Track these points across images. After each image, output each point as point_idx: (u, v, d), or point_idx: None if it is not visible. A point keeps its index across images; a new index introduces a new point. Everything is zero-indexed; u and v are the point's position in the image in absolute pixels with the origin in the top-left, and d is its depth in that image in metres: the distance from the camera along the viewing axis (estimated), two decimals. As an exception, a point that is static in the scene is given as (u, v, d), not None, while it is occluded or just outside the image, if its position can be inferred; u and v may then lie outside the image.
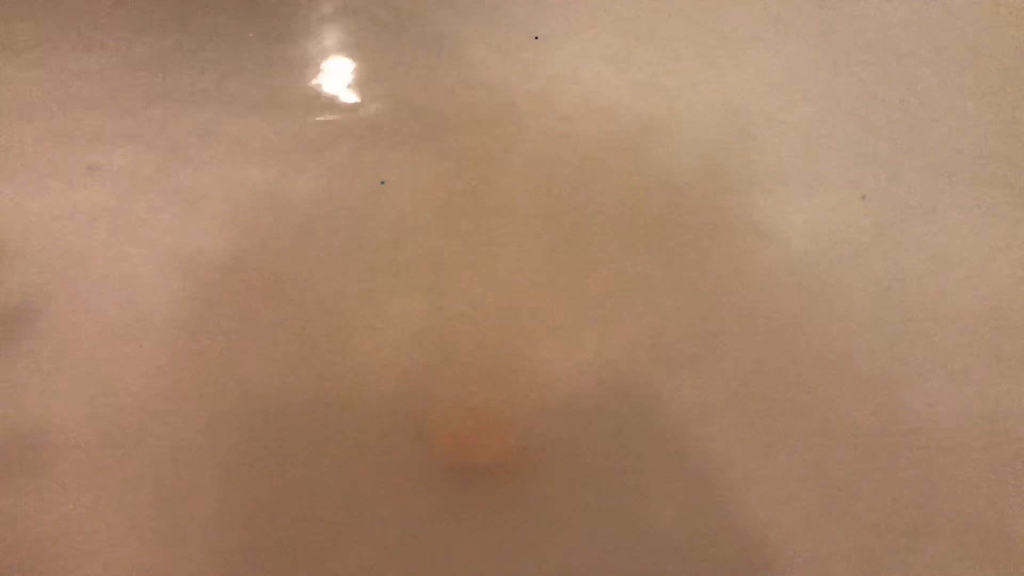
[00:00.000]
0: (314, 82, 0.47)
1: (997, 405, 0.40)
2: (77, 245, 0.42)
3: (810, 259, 0.43)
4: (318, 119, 0.46)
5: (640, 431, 0.40)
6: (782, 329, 0.41)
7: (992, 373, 0.40)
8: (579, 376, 0.41)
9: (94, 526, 0.37)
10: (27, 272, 0.42)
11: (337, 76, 0.47)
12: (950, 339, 0.41)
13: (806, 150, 0.45)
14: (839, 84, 0.47)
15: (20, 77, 0.46)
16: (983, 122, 0.45)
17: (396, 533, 0.38)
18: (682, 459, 0.39)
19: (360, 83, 0.47)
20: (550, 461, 0.39)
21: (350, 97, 0.47)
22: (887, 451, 0.39)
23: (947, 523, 0.38)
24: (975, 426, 0.39)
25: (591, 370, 0.41)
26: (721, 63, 0.47)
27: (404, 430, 0.40)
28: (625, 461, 0.39)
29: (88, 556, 0.36)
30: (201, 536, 0.37)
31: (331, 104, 0.47)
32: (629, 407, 0.40)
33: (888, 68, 0.47)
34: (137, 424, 0.39)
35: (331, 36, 0.48)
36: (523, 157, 0.46)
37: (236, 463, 0.39)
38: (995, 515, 0.38)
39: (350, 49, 0.48)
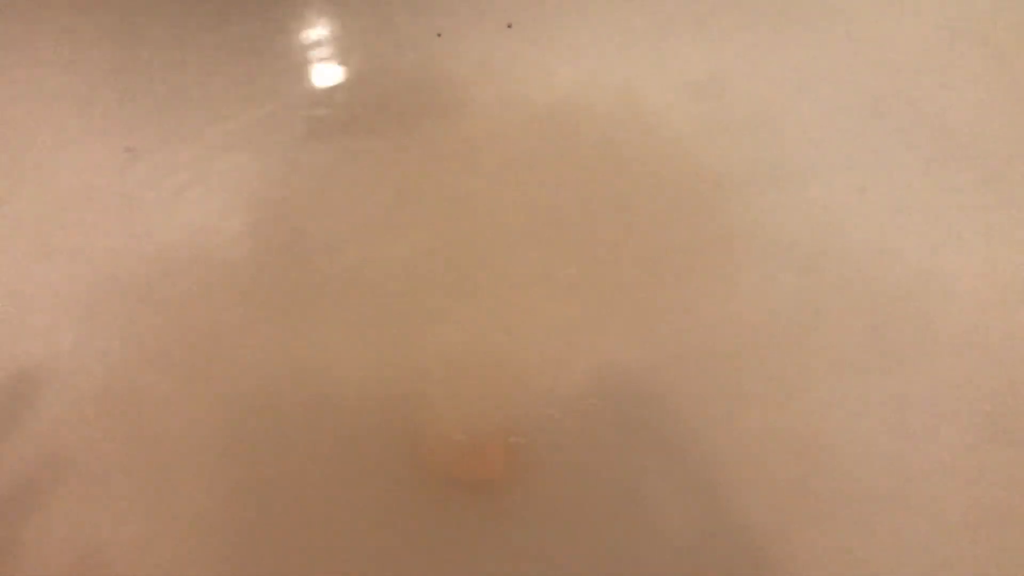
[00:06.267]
0: (290, 78, 0.46)
1: (997, 402, 0.39)
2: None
3: (808, 254, 0.42)
4: (296, 113, 0.45)
5: (637, 440, 0.39)
6: (780, 330, 0.41)
7: (994, 369, 0.40)
8: (573, 384, 0.40)
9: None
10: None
11: (310, 69, 0.47)
12: (952, 336, 0.40)
13: (804, 142, 0.44)
14: (837, 76, 0.46)
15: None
16: (985, 115, 0.44)
17: (390, 551, 0.38)
18: (682, 467, 0.39)
19: (334, 73, 0.47)
20: (545, 472, 0.39)
21: (324, 90, 0.46)
22: (892, 452, 0.39)
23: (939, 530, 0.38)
24: (976, 426, 0.39)
25: (585, 378, 0.40)
26: (713, 55, 0.46)
27: (396, 446, 0.39)
28: (622, 470, 0.39)
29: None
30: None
31: (306, 98, 0.46)
32: (625, 415, 0.40)
33: (888, 60, 0.46)
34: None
35: (305, 30, 0.47)
36: (500, 154, 0.45)
37: (225, 487, 0.38)
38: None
39: (323, 41, 0.47)
